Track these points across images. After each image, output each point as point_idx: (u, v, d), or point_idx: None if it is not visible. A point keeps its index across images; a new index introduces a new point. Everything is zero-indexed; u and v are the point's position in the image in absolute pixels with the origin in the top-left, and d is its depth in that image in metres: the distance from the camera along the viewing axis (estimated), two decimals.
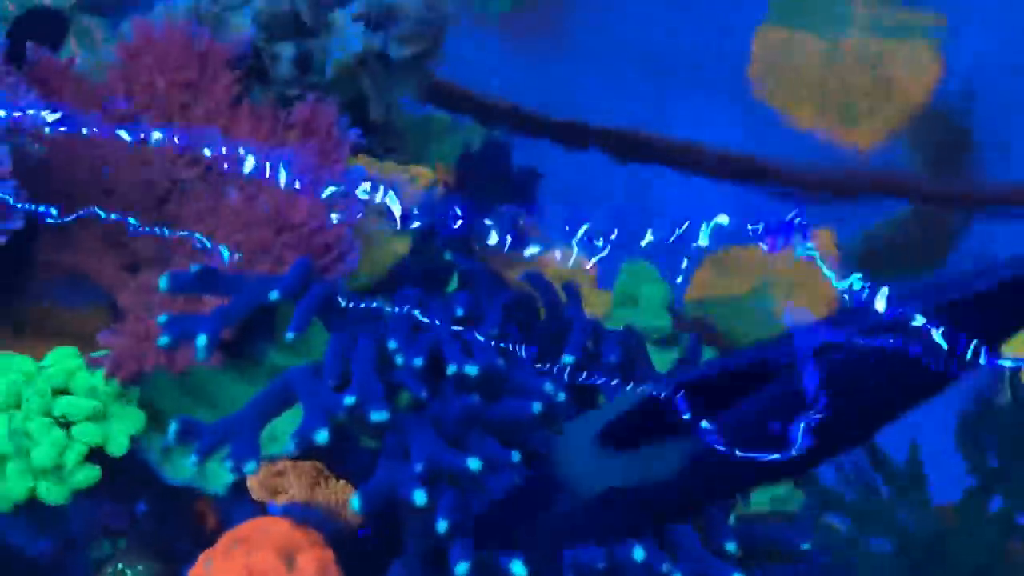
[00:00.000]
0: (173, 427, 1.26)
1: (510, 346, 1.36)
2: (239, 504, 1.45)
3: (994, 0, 2.05)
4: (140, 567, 1.44)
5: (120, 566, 1.44)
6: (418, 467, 1.21)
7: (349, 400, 1.23)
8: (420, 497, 1.19)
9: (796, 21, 1.99)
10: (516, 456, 1.24)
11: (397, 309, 1.35)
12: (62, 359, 1.39)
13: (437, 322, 1.33)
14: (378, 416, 1.23)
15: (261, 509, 1.42)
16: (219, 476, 1.45)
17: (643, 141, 1.85)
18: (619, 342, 1.42)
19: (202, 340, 1.26)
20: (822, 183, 1.89)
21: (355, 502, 1.20)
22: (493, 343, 1.33)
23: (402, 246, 1.52)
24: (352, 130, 1.43)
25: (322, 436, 1.23)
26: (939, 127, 1.99)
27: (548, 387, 1.29)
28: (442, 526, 1.18)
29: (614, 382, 1.39)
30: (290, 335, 1.27)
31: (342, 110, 1.53)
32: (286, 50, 1.57)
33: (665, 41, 2.07)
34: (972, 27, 2.00)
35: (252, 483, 1.42)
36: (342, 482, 1.41)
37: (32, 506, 1.39)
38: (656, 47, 2.07)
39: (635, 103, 2.00)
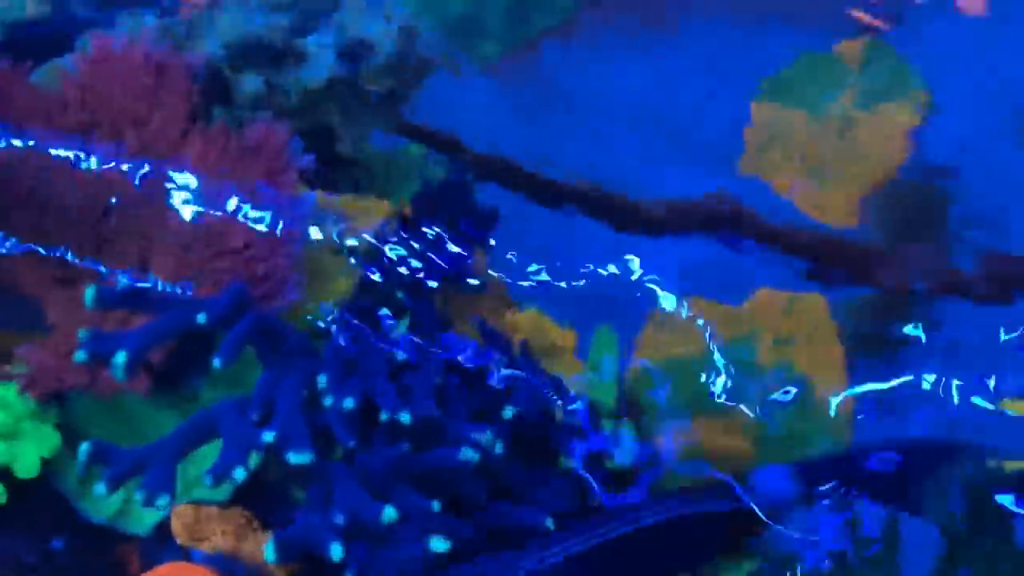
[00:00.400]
0: (84, 448, 1.19)
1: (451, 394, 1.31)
2: (165, 549, 1.36)
3: (979, 75, 2.03)
4: None
5: None
6: (339, 519, 1.13)
7: (268, 437, 1.16)
8: (336, 551, 1.11)
9: (785, 98, 1.96)
10: (436, 506, 1.16)
11: (333, 348, 1.29)
12: None
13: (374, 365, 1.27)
14: (298, 458, 1.15)
15: (186, 555, 1.34)
16: (143, 516, 1.37)
17: (618, 202, 1.81)
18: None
19: (121, 358, 1.19)
20: (799, 247, 1.85)
21: (268, 551, 1.13)
22: (433, 391, 1.27)
23: (346, 284, 1.45)
24: (305, 156, 1.38)
25: (239, 473, 1.16)
26: (909, 197, 1.96)
27: (486, 438, 1.22)
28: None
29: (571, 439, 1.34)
30: (216, 363, 1.20)
31: (307, 139, 1.48)
32: (251, 73, 1.52)
33: (654, 104, 2.04)
34: (953, 101, 1.98)
35: (176, 527, 1.33)
36: (270, 533, 1.33)
37: None
38: (644, 109, 2.04)
39: (617, 163, 1.95)
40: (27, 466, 1.30)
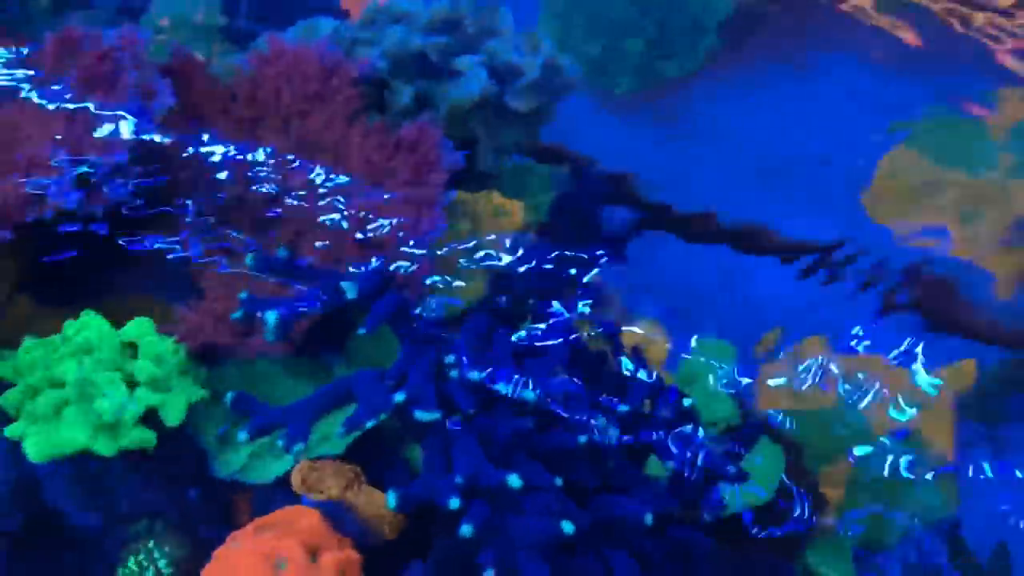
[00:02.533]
0: (229, 396, 1.28)
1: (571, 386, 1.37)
2: (275, 501, 1.44)
3: None
4: (167, 548, 1.44)
5: (151, 544, 1.44)
6: (459, 479, 1.20)
7: (399, 397, 1.24)
8: (454, 503, 1.18)
9: (932, 151, 2.00)
10: (559, 481, 1.23)
11: (463, 331, 1.37)
12: (137, 324, 1.43)
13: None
14: (424, 415, 1.23)
15: (298, 502, 1.42)
16: (263, 470, 1.46)
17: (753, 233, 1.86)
18: (675, 403, 1.41)
19: (272, 317, 1.29)
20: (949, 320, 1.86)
21: (390, 500, 1.20)
22: (554, 379, 1.34)
23: (480, 286, 1.54)
24: (456, 155, 1.48)
25: (370, 424, 1.24)
26: None
27: (600, 423, 1.28)
28: (466, 530, 1.16)
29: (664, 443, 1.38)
30: (361, 331, 1.30)
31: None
32: (407, 84, 1.64)
33: (783, 149, 2.10)
34: None
35: (295, 478, 1.42)
36: (377, 491, 1.40)
37: (82, 465, 1.42)
38: (773, 153, 2.09)
39: (742, 204, 2.01)
40: (175, 414, 1.40)
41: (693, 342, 1.62)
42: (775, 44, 2.29)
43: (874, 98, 2.18)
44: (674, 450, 1.40)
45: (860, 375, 1.84)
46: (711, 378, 1.61)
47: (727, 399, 1.62)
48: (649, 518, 1.28)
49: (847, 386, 1.83)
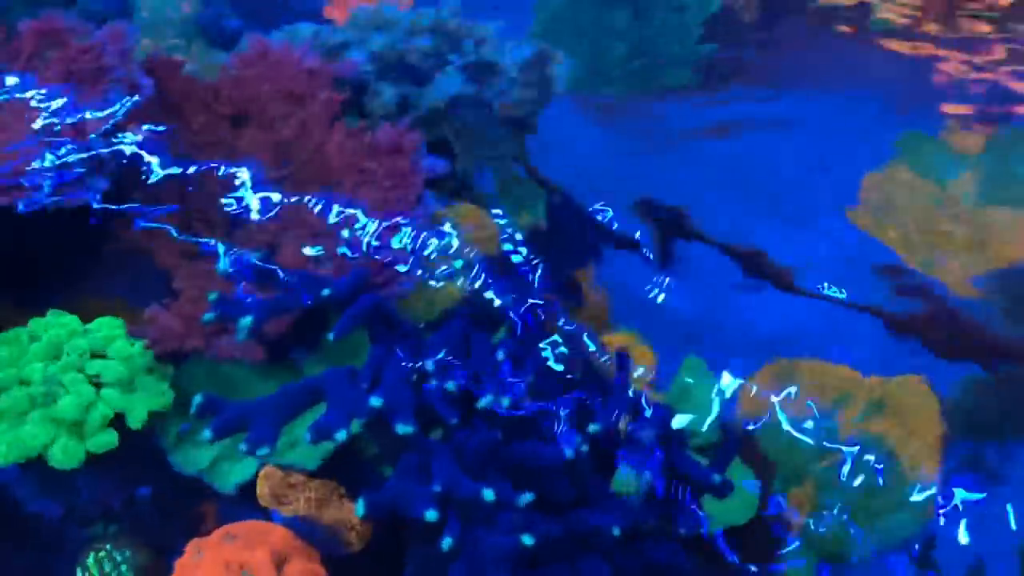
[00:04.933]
0: (197, 399, 1.25)
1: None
2: (242, 510, 1.42)
3: None
4: (128, 552, 1.40)
5: (109, 547, 1.41)
6: (437, 487, 1.18)
7: (375, 401, 1.21)
8: (431, 515, 1.15)
9: (915, 166, 2.00)
10: (527, 498, 1.20)
11: (442, 337, 1.35)
12: (106, 324, 1.41)
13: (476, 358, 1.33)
14: (403, 428, 1.20)
15: (265, 517, 1.40)
16: (228, 475, 1.43)
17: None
18: (656, 423, 1.39)
19: (246, 321, 1.27)
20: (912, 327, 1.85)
21: (359, 507, 1.17)
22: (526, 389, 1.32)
23: (456, 291, 1.52)
24: (438, 161, 1.46)
25: (340, 435, 1.21)
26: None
27: (575, 439, 1.26)
28: (447, 543, 1.14)
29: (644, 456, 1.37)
30: (331, 336, 1.27)
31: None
32: (388, 88, 1.62)
33: (772, 167, 2.10)
34: None
35: (262, 489, 1.39)
36: (349, 504, 1.38)
37: (43, 467, 1.39)
38: (761, 172, 2.09)
39: (726, 219, 2.00)
40: (137, 419, 1.38)
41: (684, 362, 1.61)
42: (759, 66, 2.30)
43: (857, 118, 2.18)
44: (651, 463, 1.38)
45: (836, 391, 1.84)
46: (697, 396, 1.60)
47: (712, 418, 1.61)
48: (616, 530, 1.26)
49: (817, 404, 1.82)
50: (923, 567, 1.66)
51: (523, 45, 1.70)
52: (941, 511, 1.71)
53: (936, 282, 1.97)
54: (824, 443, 1.79)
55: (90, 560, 1.40)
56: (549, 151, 1.79)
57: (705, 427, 1.67)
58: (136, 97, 1.49)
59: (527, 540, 1.16)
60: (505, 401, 1.25)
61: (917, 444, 1.84)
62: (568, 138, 1.88)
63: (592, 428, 1.33)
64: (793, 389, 1.71)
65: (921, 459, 1.83)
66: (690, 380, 1.66)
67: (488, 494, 1.17)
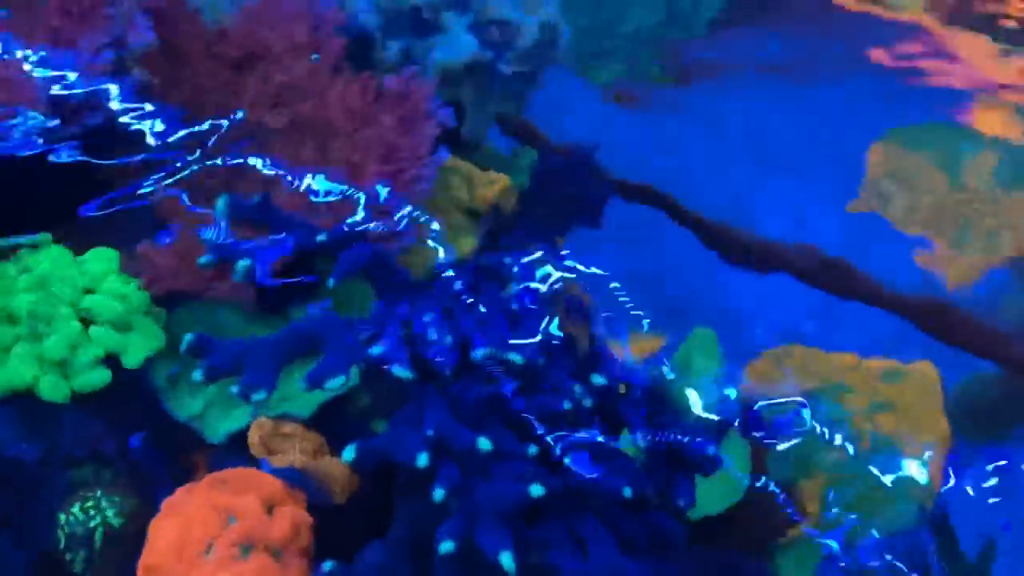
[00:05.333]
0: (188, 338, 1.22)
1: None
2: (234, 459, 1.38)
3: None
4: (117, 498, 1.37)
5: (99, 493, 1.37)
6: (428, 432, 1.14)
7: (376, 350, 1.18)
8: (423, 459, 1.12)
9: (912, 146, 1.97)
10: (533, 449, 1.17)
11: (444, 289, 1.32)
12: (101, 258, 1.37)
13: (483, 309, 1.29)
14: (401, 372, 1.17)
15: (257, 466, 1.37)
16: (220, 424, 1.40)
17: (727, 235, 1.82)
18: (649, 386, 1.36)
19: (244, 263, 1.23)
20: (912, 314, 1.82)
21: (348, 453, 1.14)
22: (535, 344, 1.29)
23: (469, 243, 1.49)
24: (444, 110, 1.42)
25: (337, 381, 1.17)
26: None
27: (578, 389, 1.22)
28: (438, 494, 1.10)
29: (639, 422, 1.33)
30: (330, 282, 1.24)
31: None
32: (395, 42, 1.59)
33: (778, 135, 2.07)
34: None
35: (253, 439, 1.36)
36: (337, 459, 1.34)
37: (26, 407, 1.35)
38: (768, 139, 2.06)
39: (734, 189, 1.97)
40: (134, 358, 1.34)
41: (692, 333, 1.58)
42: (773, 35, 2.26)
43: (869, 99, 2.15)
44: (647, 431, 1.34)
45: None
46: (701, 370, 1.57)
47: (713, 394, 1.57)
48: (628, 491, 1.23)
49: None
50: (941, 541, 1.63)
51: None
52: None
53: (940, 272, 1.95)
54: (830, 434, 1.76)
55: (75, 508, 1.36)
56: (548, 118, 1.76)
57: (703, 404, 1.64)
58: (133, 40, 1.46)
59: (536, 491, 1.12)
60: (517, 357, 1.21)
61: (922, 434, 1.82)
62: (565, 105, 1.85)
63: (596, 380, 1.29)
64: (794, 377, 1.69)
65: (925, 448, 1.81)
66: (696, 353, 1.63)
67: (484, 443, 1.13)
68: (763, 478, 1.63)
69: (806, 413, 1.65)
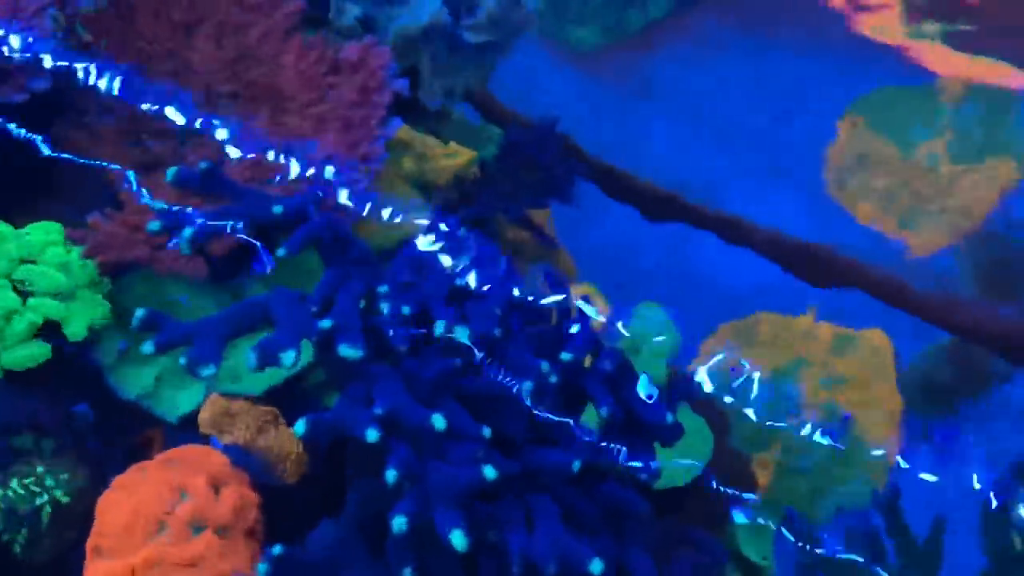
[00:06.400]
0: (139, 314, 1.18)
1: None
2: (188, 436, 1.35)
3: None
4: (65, 475, 1.32)
5: (40, 469, 1.32)
6: (378, 410, 1.12)
7: (325, 324, 1.15)
8: (372, 435, 1.09)
9: (876, 124, 1.97)
10: (487, 431, 1.15)
11: (399, 262, 1.30)
12: (41, 229, 1.33)
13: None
14: (349, 351, 1.14)
15: (207, 443, 1.34)
16: (173, 403, 1.36)
17: (691, 209, 1.81)
18: (615, 357, 1.34)
19: (188, 232, 1.20)
20: (873, 288, 1.82)
21: (299, 427, 1.11)
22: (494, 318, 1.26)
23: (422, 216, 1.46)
24: (400, 80, 1.39)
25: (289, 357, 1.15)
26: (996, 247, 1.93)
27: (544, 367, 1.20)
28: (391, 475, 1.08)
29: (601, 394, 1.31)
30: (281, 252, 1.21)
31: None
32: (354, 6, 1.55)
33: (743, 114, 2.05)
34: None
35: (203, 416, 1.33)
36: (290, 431, 1.32)
37: None
38: (733, 117, 2.05)
39: (698, 166, 1.96)
40: (76, 330, 1.30)
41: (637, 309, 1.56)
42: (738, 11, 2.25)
43: (832, 69, 2.14)
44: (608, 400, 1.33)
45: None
46: (650, 344, 1.55)
47: (661, 366, 1.56)
48: (576, 465, 1.21)
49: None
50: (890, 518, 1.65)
51: None
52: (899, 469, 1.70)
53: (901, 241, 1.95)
54: (785, 406, 1.77)
55: (14, 482, 1.31)
56: (514, 92, 1.74)
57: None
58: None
59: (489, 473, 1.10)
60: (463, 332, 1.19)
61: (876, 406, 1.82)
62: (536, 81, 1.82)
63: (564, 356, 1.27)
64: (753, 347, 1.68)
65: (879, 421, 1.81)
66: (646, 327, 1.61)
67: (439, 420, 1.11)
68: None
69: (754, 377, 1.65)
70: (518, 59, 1.71)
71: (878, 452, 1.78)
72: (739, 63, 2.22)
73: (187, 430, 1.36)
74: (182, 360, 1.15)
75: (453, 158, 1.48)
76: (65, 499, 1.31)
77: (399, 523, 1.07)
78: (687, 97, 2.12)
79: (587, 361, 1.36)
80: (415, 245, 1.33)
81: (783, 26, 2.28)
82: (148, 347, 1.16)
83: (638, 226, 1.85)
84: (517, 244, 1.69)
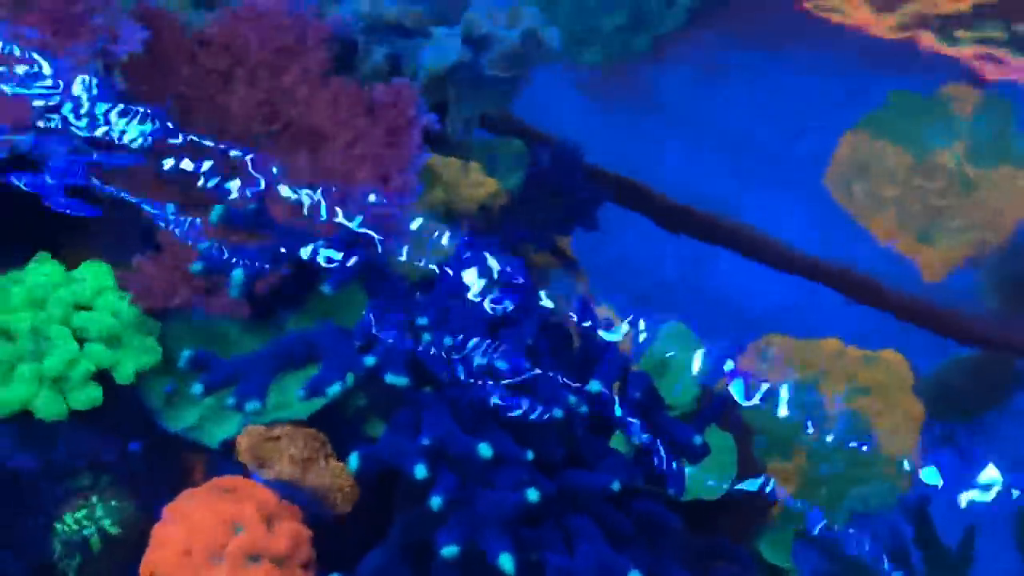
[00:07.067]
0: (186, 355, 1.24)
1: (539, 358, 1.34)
2: (231, 467, 1.40)
3: None
4: (114, 503, 1.38)
5: (94, 500, 1.39)
6: (425, 440, 1.17)
7: (370, 360, 1.20)
8: (421, 471, 1.15)
9: (887, 133, 1.99)
10: (530, 454, 1.20)
11: (435, 294, 1.35)
12: (94, 273, 1.38)
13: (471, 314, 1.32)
14: (394, 379, 1.19)
15: (247, 474, 1.38)
16: (215, 432, 1.41)
17: (708, 220, 1.85)
18: (644, 384, 1.39)
19: (238, 276, 1.25)
20: (888, 304, 1.86)
21: (352, 462, 1.16)
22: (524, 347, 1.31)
23: (447, 251, 1.51)
24: (431, 115, 1.44)
25: (335, 389, 1.20)
26: (1020, 264, 1.96)
27: (572, 399, 1.25)
28: (436, 502, 1.13)
29: (632, 420, 1.36)
30: (326, 288, 1.27)
31: None
32: (380, 48, 1.60)
33: (750, 127, 2.09)
34: None
35: (241, 444, 1.37)
36: (340, 464, 1.36)
37: (26, 417, 1.36)
38: (740, 131, 2.09)
39: (709, 182, 2.00)
40: (125, 374, 1.35)
41: (663, 329, 1.60)
42: (743, 26, 2.28)
43: (839, 83, 2.18)
44: (639, 426, 1.37)
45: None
46: (677, 364, 1.60)
47: (692, 386, 1.61)
48: (616, 484, 1.26)
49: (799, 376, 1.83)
50: (918, 531, 1.68)
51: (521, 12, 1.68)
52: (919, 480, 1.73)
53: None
54: (808, 419, 1.80)
55: (68, 516, 1.37)
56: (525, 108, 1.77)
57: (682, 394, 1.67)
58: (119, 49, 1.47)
59: (532, 495, 1.15)
60: (501, 363, 1.24)
61: (896, 419, 1.86)
62: (551, 101, 1.87)
63: (593, 387, 1.32)
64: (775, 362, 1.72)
65: (900, 433, 1.85)
66: (670, 347, 1.65)
67: (485, 449, 1.16)
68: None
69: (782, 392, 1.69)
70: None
71: (901, 458, 1.81)
72: (747, 78, 2.26)
73: (228, 455, 1.41)
74: (230, 400, 1.21)
75: (479, 188, 1.54)
76: (115, 529, 1.37)
77: (450, 551, 1.12)
78: (696, 112, 2.17)
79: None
80: (449, 275, 1.38)
81: (790, 41, 2.32)
82: (197, 389, 1.21)
83: (653, 241, 1.89)
84: (542, 267, 1.74)
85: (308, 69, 1.49)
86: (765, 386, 1.65)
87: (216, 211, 1.29)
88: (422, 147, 1.43)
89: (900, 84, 2.10)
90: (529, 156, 1.71)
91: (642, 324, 1.54)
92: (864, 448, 1.72)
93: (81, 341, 1.34)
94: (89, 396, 1.33)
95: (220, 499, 1.24)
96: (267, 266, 1.31)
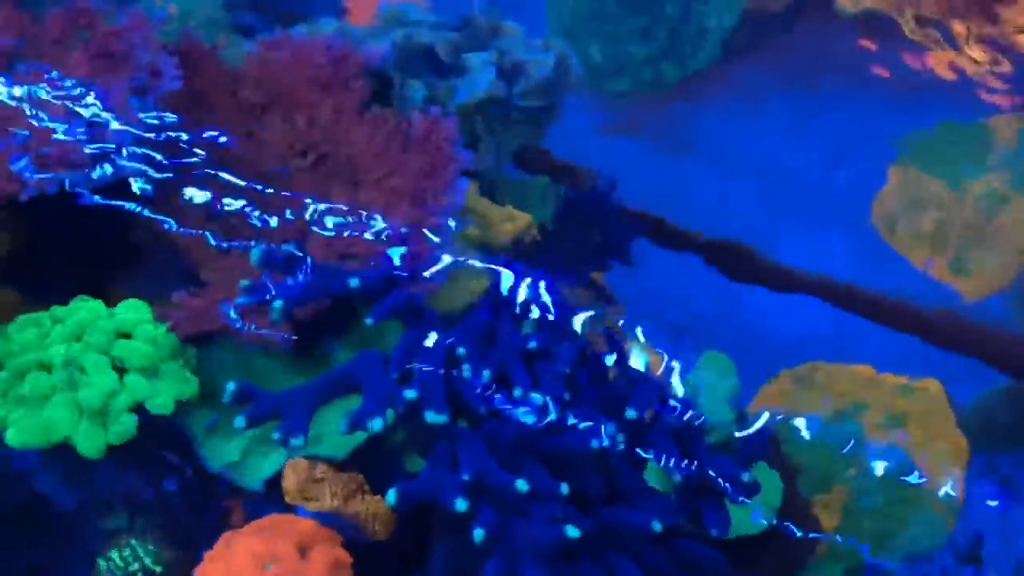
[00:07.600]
0: (230, 387, 1.24)
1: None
2: (270, 506, 1.39)
3: None
4: (151, 547, 1.38)
5: (133, 542, 1.39)
6: (465, 476, 1.16)
7: (410, 394, 1.20)
8: (461, 504, 1.14)
9: (925, 166, 1.98)
10: (565, 488, 1.19)
11: (473, 325, 1.34)
12: (132, 307, 1.39)
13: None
14: (435, 418, 1.19)
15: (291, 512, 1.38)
16: (256, 471, 1.41)
17: (744, 255, 1.83)
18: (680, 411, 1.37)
19: (279, 304, 1.25)
20: (926, 331, 1.83)
21: (390, 497, 1.16)
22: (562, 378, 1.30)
23: (481, 285, 1.51)
24: (465, 153, 1.44)
25: (377, 424, 1.19)
26: None
27: (609, 429, 1.24)
28: (478, 535, 1.12)
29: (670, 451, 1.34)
30: (368, 320, 1.27)
31: None
32: (417, 81, 1.61)
33: (786, 164, 2.08)
34: None
35: (288, 485, 1.36)
36: (377, 497, 1.36)
37: (66, 455, 1.36)
38: (776, 168, 2.08)
39: (745, 218, 1.99)
40: (163, 404, 1.35)
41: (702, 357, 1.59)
42: (779, 61, 2.28)
43: (877, 113, 2.17)
44: (679, 459, 1.36)
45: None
46: (712, 391, 1.58)
47: (729, 413, 1.59)
48: (658, 525, 1.24)
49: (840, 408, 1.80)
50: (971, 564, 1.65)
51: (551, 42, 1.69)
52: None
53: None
54: (848, 450, 1.77)
55: (114, 553, 1.37)
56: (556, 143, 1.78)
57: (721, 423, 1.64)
58: (160, 85, 1.48)
59: (572, 532, 1.14)
60: (537, 396, 1.23)
61: (940, 450, 1.83)
62: (579, 135, 1.87)
63: (629, 414, 1.30)
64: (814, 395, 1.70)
65: (944, 465, 1.82)
66: (707, 375, 1.63)
67: (522, 484, 1.15)
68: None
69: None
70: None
71: (946, 490, 1.78)
72: (782, 110, 2.26)
73: (268, 497, 1.40)
74: (275, 435, 1.20)
75: (512, 222, 1.53)
76: (158, 568, 1.37)
77: None
78: (731, 147, 2.16)
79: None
80: (488, 303, 1.38)
81: (825, 73, 2.32)
82: (240, 422, 1.21)
83: (685, 272, 1.88)
84: (577, 300, 1.73)
85: (345, 102, 1.50)
86: (801, 420, 1.64)
87: (255, 251, 1.29)
88: (459, 179, 1.43)
89: (939, 111, 2.09)
90: (560, 190, 1.71)
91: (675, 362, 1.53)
92: (912, 481, 1.69)
93: (120, 372, 1.34)
94: (128, 427, 1.32)
95: (258, 538, 1.24)
96: (307, 298, 1.30)
